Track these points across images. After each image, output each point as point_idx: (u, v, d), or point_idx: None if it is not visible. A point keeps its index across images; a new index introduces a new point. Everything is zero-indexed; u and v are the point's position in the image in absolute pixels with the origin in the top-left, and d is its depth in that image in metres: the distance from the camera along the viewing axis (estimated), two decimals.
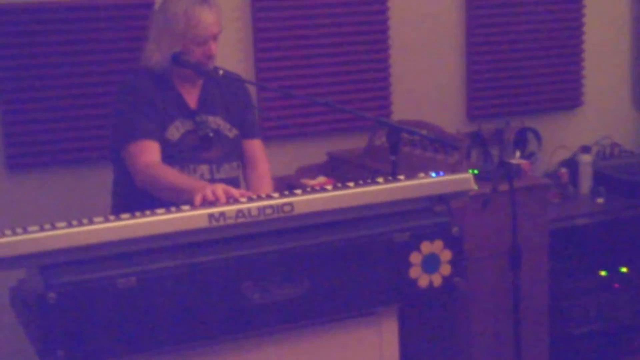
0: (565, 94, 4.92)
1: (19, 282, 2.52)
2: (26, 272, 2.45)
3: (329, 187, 2.70)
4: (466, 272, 2.79)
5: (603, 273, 4.32)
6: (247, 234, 2.54)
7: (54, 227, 2.33)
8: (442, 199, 2.77)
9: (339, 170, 4.14)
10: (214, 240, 2.50)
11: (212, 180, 2.98)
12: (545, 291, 3.77)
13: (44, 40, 3.87)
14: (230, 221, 2.49)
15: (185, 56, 3.05)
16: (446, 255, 2.69)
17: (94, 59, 3.94)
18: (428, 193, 2.74)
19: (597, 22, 4.93)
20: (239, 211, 2.50)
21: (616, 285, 4.34)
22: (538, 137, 4.75)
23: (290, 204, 2.55)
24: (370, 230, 2.63)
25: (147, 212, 2.45)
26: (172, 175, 2.93)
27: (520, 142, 4.67)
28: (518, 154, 4.58)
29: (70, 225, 2.35)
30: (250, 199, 2.59)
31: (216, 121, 3.18)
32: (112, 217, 2.42)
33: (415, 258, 2.65)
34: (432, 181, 2.73)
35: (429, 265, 2.68)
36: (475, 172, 3.43)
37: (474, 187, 2.81)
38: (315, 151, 4.32)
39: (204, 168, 3.10)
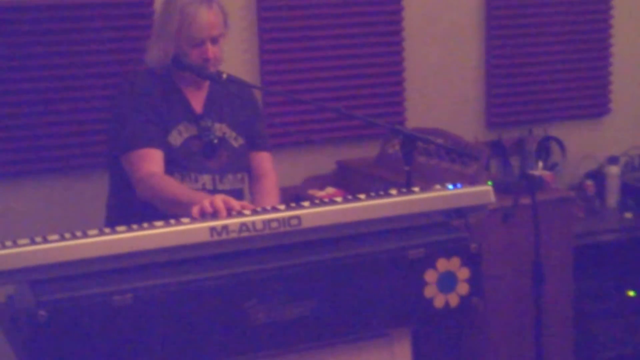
0: (592, 101, 4.91)
1: (7, 298, 2.53)
2: (15, 288, 2.46)
3: (339, 199, 2.70)
4: (485, 291, 2.78)
5: (631, 293, 4.31)
6: (251, 249, 2.54)
7: (45, 241, 2.34)
8: (459, 212, 2.76)
9: (349, 180, 4.14)
10: (215, 255, 2.51)
11: (215, 192, 2.97)
12: (570, 312, 3.76)
13: (33, 41, 3.87)
14: (233, 235, 2.49)
15: (185, 58, 3.05)
16: (464, 273, 2.69)
17: (87, 62, 3.95)
18: (445, 206, 2.74)
19: (626, 26, 4.93)
20: (243, 224, 2.50)
21: None
22: (562, 147, 4.74)
23: (297, 217, 2.56)
24: (383, 246, 2.63)
25: (145, 225, 2.45)
26: (174, 187, 2.93)
27: (543, 152, 4.67)
28: (541, 164, 4.57)
29: (62, 239, 2.36)
30: (254, 212, 2.59)
31: (222, 128, 3.19)
32: (107, 230, 2.43)
33: (430, 276, 2.65)
34: (448, 194, 2.73)
35: (445, 284, 2.67)
36: (493, 184, 3.42)
37: (494, 200, 2.80)
38: (324, 160, 4.32)
39: (206, 178, 3.10)
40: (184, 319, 2.42)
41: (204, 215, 2.57)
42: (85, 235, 2.38)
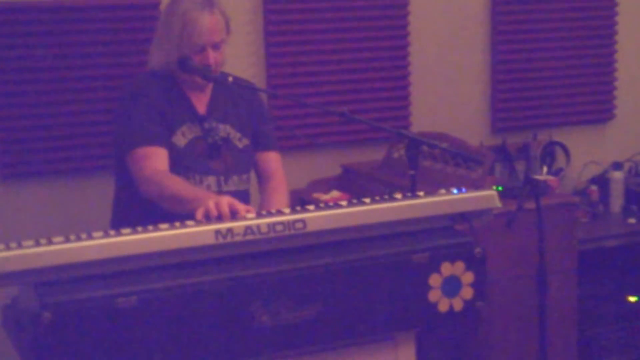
0: (596, 107, 4.91)
1: (12, 300, 2.52)
2: (20, 290, 2.45)
3: (344, 202, 2.69)
4: (489, 295, 2.78)
5: (633, 299, 4.30)
6: (255, 252, 2.53)
7: (50, 242, 2.33)
8: (464, 217, 2.76)
9: (354, 184, 4.14)
10: (220, 258, 2.50)
11: (219, 193, 2.97)
12: (573, 316, 3.75)
13: (37, 42, 3.86)
14: (238, 238, 2.48)
15: (191, 61, 3.05)
16: (468, 277, 2.68)
17: (92, 63, 3.95)
18: (449, 211, 2.73)
19: (631, 32, 4.92)
20: (248, 227, 2.50)
21: None
22: (566, 152, 4.74)
23: (302, 220, 2.55)
24: (387, 250, 2.63)
25: (150, 228, 2.44)
26: (178, 185, 2.92)
27: (548, 157, 4.66)
28: (545, 169, 4.57)
29: (67, 241, 2.35)
30: (260, 215, 2.59)
31: (226, 129, 3.18)
32: (112, 232, 2.42)
33: (434, 280, 2.64)
34: (453, 198, 2.73)
35: (449, 288, 2.67)
36: (500, 188, 3.42)
37: (498, 204, 2.80)
38: (329, 164, 4.32)
39: (210, 179, 3.09)
40: (188, 321, 2.41)
41: (208, 218, 2.57)
42: (90, 237, 2.37)
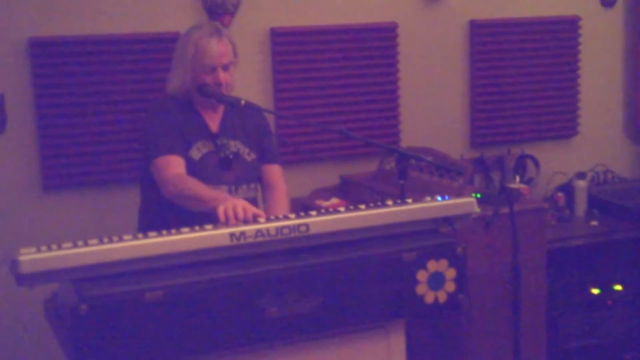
0: (562, 124, 4.91)
1: (52, 295, 2.52)
2: (59, 286, 2.45)
3: (342, 208, 2.69)
4: (469, 289, 2.78)
5: (596, 291, 4.29)
6: (265, 252, 2.53)
7: (86, 244, 2.33)
8: (447, 220, 2.76)
9: (351, 192, 4.14)
10: (234, 257, 2.50)
11: None
12: (543, 307, 3.75)
13: (75, 71, 3.87)
14: (249, 240, 2.49)
15: (208, 87, 3.07)
16: (451, 273, 2.68)
17: (124, 88, 3.95)
18: (434, 215, 2.73)
19: (592, 57, 4.92)
20: (258, 231, 2.50)
21: (609, 302, 4.31)
22: (536, 164, 4.74)
23: (305, 224, 2.55)
24: (380, 250, 2.63)
25: (173, 231, 2.45)
26: (197, 185, 2.93)
27: (520, 168, 4.66)
28: (518, 179, 4.56)
29: (101, 242, 2.35)
30: (269, 220, 2.59)
31: (236, 145, 3.19)
32: (140, 235, 2.42)
33: (421, 276, 2.64)
34: (437, 204, 2.73)
35: (434, 283, 2.67)
36: (478, 196, 3.42)
37: (477, 210, 2.80)
38: (329, 175, 4.32)
39: (223, 188, 3.08)
40: (207, 313, 2.41)
41: (227, 216, 2.62)
42: (120, 240, 2.38)
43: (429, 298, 2.66)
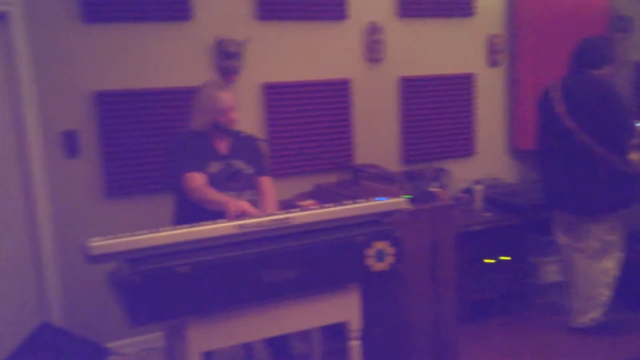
0: (465, 147, 4.93)
1: (112, 269, 2.50)
2: (117, 264, 2.42)
3: (315, 207, 2.69)
4: (404, 261, 2.77)
5: (489, 260, 4.31)
6: (261, 238, 2.52)
7: (133, 234, 2.31)
8: (387, 214, 2.76)
9: (322, 196, 4.12)
10: (240, 241, 2.49)
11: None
12: (454, 273, 3.74)
13: (128, 113, 3.83)
14: (251, 229, 2.47)
15: (220, 125, 3.07)
16: (390, 250, 2.68)
17: (167, 125, 3.91)
18: (377, 210, 2.74)
19: (484, 101, 4.95)
20: (257, 222, 2.49)
21: (499, 268, 4.33)
22: (448, 174, 4.75)
23: (288, 218, 2.54)
24: (341, 235, 2.62)
25: (196, 225, 2.43)
26: (213, 193, 2.92)
27: (437, 177, 4.67)
28: (435, 184, 4.57)
29: (146, 233, 2.33)
30: (264, 215, 2.58)
31: (240, 164, 3.17)
32: (174, 227, 2.41)
33: (369, 252, 2.64)
34: (380, 203, 2.73)
35: (379, 257, 2.66)
36: (409, 196, 3.42)
37: (408, 206, 2.80)
38: (307, 183, 4.30)
39: (231, 194, 3.06)
40: (221, 280, 2.39)
41: (237, 214, 2.64)
42: (160, 231, 2.35)
43: (376, 268, 2.66)
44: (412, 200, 3.29)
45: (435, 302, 3.53)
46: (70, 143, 3.73)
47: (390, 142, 4.69)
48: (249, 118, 4.07)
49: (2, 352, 3.44)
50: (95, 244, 2.24)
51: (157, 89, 3.89)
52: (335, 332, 3.01)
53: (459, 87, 4.84)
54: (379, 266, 2.65)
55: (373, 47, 4.47)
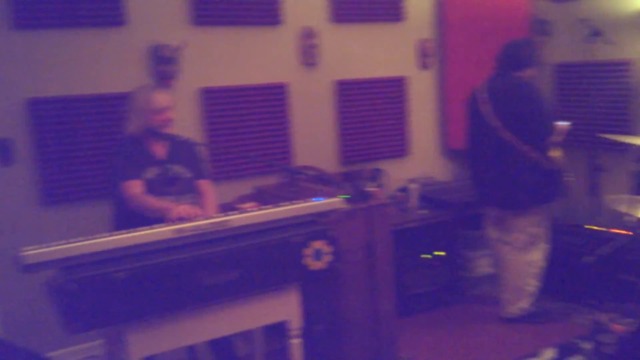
0: (400, 148, 4.99)
1: (48, 277, 2.42)
2: (54, 271, 2.35)
3: (255, 209, 2.67)
4: (341, 259, 2.79)
5: (426, 256, 4.38)
6: (200, 241, 2.48)
7: (68, 242, 2.24)
8: (324, 214, 2.77)
9: (262, 198, 4.10)
10: (179, 245, 2.45)
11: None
12: (391, 269, 3.78)
13: (64, 120, 3.72)
14: (189, 233, 2.44)
15: (156, 129, 3.01)
16: (328, 249, 2.69)
17: (103, 132, 3.81)
18: (316, 210, 2.74)
19: (417, 104, 5.02)
20: (195, 226, 2.45)
21: (435, 263, 4.40)
22: (384, 174, 4.80)
23: (227, 220, 2.52)
24: (279, 235, 2.62)
25: (132, 230, 2.38)
26: (150, 200, 2.88)
27: (374, 177, 4.71)
28: (372, 184, 4.61)
29: (82, 240, 2.26)
30: (203, 217, 2.55)
31: (178, 168, 3.12)
32: (110, 234, 2.34)
33: (307, 251, 2.64)
34: (317, 204, 2.74)
35: (316, 256, 2.67)
36: (346, 196, 3.44)
37: (345, 206, 2.82)
38: (247, 186, 4.27)
39: (170, 199, 3.02)
40: (160, 285, 2.35)
41: (179, 218, 2.61)
42: (96, 237, 2.29)
43: (314, 267, 2.66)
44: (349, 200, 3.31)
45: (374, 298, 3.55)
46: (4, 151, 3.60)
47: (328, 144, 4.71)
48: (187, 123, 4.02)
49: None
50: (28, 253, 2.17)
51: (92, 95, 3.79)
52: (278, 331, 3.01)
53: (392, 89, 4.90)
54: (316, 265, 2.66)
55: (308, 52, 4.49)
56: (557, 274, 4.21)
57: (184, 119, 3.95)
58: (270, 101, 4.40)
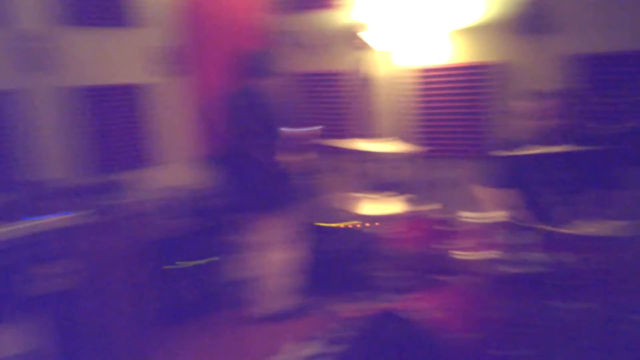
0: (149, 156, 4.72)
1: None
2: None
3: None
4: (92, 274, 2.52)
5: (184, 264, 4.26)
6: None
7: None
8: (68, 229, 2.48)
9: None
10: None
11: None
12: (146, 280, 3.57)
13: None
14: None
15: None
16: (69, 266, 2.41)
17: None
18: (59, 226, 2.45)
19: (163, 109, 4.81)
20: None
21: (192, 272, 4.27)
22: (134, 185, 4.50)
23: None
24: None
25: None
26: None
27: (121, 188, 4.36)
28: (120, 196, 4.23)
29: None
30: None
31: None
32: None
33: (44, 270, 2.34)
34: (60, 219, 2.45)
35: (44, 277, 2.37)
36: (92, 210, 3.14)
37: (91, 219, 2.54)
38: None
39: None
40: None
41: None
42: None
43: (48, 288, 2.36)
44: (95, 214, 3.03)
45: (130, 310, 3.35)
46: None
47: (72, 155, 4.30)
48: None
49: None
50: None
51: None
52: None
53: (132, 98, 4.67)
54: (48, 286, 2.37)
55: (35, 56, 4.04)
56: (308, 271, 4.37)
57: None
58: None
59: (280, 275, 4.12)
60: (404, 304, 2.74)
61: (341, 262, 4.22)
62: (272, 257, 4.08)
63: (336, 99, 4.95)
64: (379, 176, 4.55)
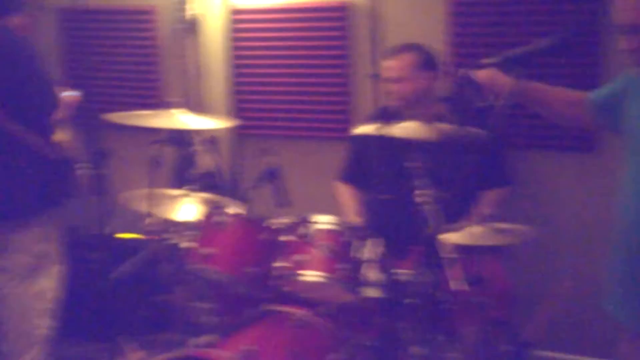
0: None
1: None
2: None
3: None
4: None
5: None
6: None
7: None
8: None
9: None
10: None
11: None
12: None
13: None
14: None
15: None
16: None
17: None
18: None
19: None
20: None
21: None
22: None
23: None
24: None
25: None
26: None
27: None
28: None
29: None
30: None
31: None
32: None
33: None
34: None
35: None
36: None
37: None
38: None
39: None
40: None
41: None
42: None
43: None
44: None
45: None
46: None
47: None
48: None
49: None
50: None
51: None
52: None
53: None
54: None
55: None
56: (78, 304, 3.17)
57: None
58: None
59: (37, 314, 2.85)
60: (215, 349, 2.15)
61: (125, 289, 3.12)
62: (24, 287, 2.80)
63: (121, 48, 3.72)
64: (180, 164, 3.45)
